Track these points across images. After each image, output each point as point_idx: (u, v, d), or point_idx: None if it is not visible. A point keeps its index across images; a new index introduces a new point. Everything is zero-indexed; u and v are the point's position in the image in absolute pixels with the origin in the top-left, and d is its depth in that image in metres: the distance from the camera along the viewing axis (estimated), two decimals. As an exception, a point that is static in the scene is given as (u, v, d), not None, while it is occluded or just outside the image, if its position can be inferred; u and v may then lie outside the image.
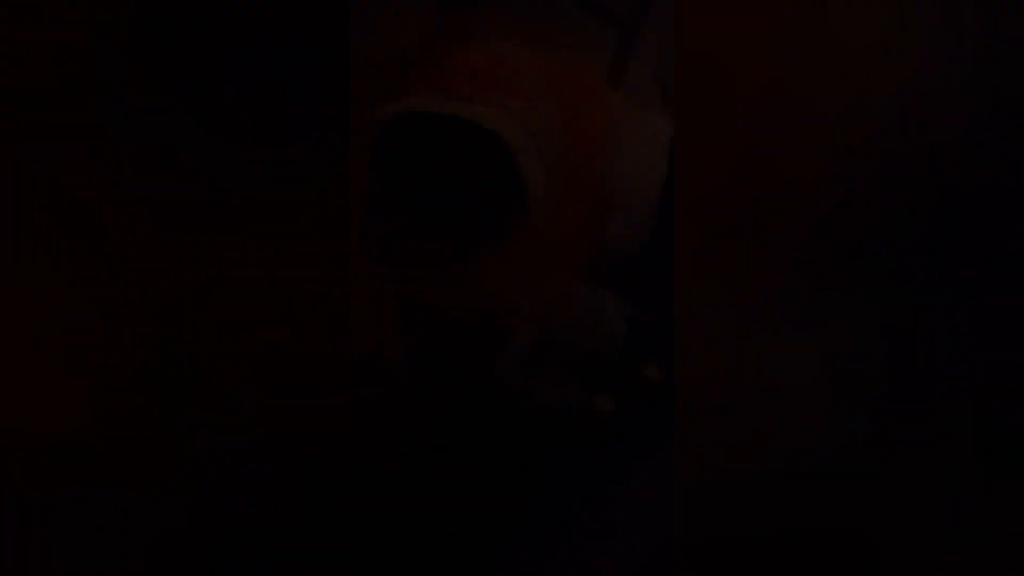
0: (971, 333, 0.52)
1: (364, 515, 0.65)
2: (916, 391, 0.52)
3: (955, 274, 0.51)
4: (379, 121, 0.53)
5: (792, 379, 0.52)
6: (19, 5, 0.47)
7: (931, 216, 0.51)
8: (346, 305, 0.51)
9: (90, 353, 0.49)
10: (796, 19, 0.51)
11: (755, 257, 0.52)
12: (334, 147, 0.50)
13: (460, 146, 0.52)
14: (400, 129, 0.54)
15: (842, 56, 0.51)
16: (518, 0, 0.60)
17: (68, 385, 0.49)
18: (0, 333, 0.49)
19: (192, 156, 0.49)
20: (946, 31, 0.51)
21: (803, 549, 0.52)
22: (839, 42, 0.51)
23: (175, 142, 0.49)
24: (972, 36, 0.51)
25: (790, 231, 0.52)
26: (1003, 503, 0.51)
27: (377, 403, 0.67)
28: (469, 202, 0.53)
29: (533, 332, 0.64)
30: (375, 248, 0.53)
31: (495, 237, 0.53)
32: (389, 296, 0.63)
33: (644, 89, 0.61)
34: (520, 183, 0.52)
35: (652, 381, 0.67)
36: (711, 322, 0.52)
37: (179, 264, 0.50)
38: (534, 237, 0.54)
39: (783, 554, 0.52)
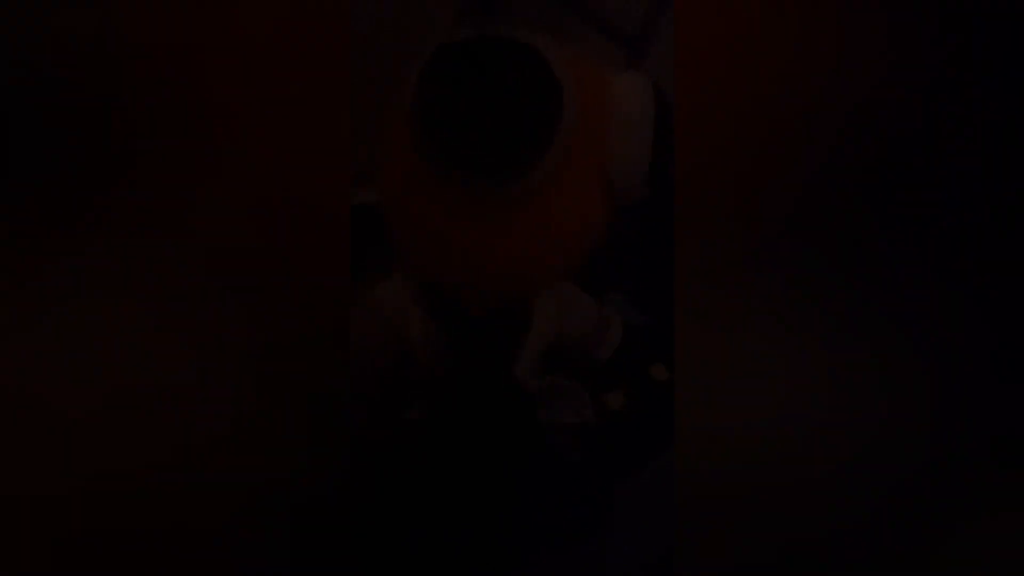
0: (968, 332, 0.52)
1: (375, 510, 0.67)
2: (914, 393, 0.52)
3: (948, 270, 0.51)
4: (427, 52, 0.56)
5: (790, 383, 0.52)
6: None
7: (930, 215, 0.51)
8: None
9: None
10: (788, 26, 0.51)
11: (754, 259, 0.53)
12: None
13: (499, 68, 0.55)
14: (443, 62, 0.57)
15: (837, 64, 0.51)
16: (530, 24, 0.62)
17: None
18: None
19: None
20: (940, 32, 0.50)
21: (799, 549, 0.52)
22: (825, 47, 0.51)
23: None
24: (964, 33, 0.50)
25: (789, 231, 0.52)
26: (1005, 506, 0.52)
27: (411, 396, 0.70)
28: (510, 121, 0.55)
29: (546, 339, 0.66)
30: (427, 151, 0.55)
31: (537, 151, 0.55)
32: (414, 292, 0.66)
33: None
34: (557, 95, 0.54)
35: (658, 381, 0.69)
36: (711, 326, 0.53)
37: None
38: (563, 161, 0.55)
39: (779, 555, 0.53)
